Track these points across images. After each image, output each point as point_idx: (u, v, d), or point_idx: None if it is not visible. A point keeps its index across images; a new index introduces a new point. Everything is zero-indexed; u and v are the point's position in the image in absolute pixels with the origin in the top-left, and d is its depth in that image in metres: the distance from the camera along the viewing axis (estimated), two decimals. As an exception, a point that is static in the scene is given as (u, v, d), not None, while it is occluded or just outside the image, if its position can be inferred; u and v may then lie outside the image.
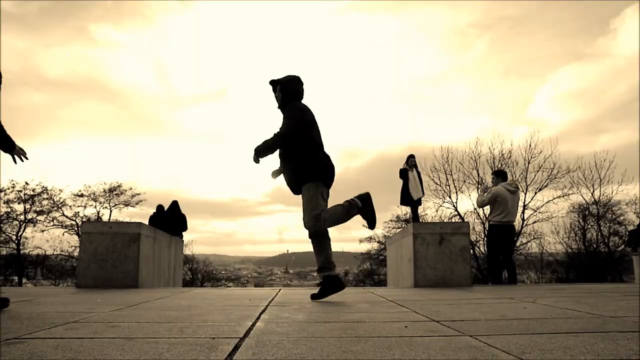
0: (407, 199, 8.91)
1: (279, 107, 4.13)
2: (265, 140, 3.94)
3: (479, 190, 8.58)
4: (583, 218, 19.65)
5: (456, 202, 19.62)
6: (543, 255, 20.69)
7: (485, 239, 7.93)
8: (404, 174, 8.90)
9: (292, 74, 4.18)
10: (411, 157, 9.02)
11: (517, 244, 19.28)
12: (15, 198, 21.18)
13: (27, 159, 3.54)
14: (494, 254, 7.52)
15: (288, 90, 4.07)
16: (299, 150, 3.92)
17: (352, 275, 28.66)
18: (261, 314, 2.91)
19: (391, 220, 21.61)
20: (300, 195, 3.95)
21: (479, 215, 19.48)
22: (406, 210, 20.44)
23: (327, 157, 4.03)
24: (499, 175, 7.85)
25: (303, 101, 4.15)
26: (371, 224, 4.06)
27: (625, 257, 17.44)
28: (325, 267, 3.87)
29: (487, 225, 18.74)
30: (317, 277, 4.12)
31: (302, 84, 4.16)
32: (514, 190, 7.64)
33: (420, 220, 9.95)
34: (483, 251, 19.36)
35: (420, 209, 9.26)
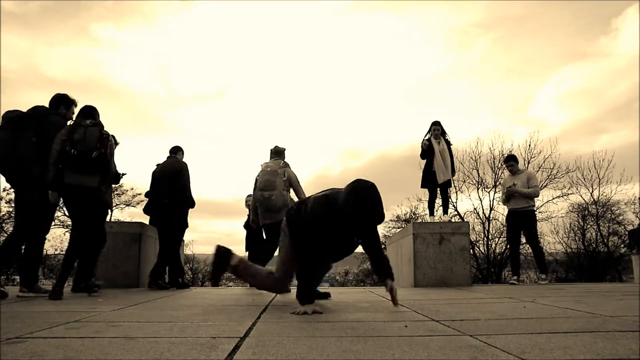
0: (430, 180, 6.83)
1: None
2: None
3: (509, 191, 6.93)
4: (582, 218, 19.63)
5: (456, 202, 19.58)
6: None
7: (527, 225, 6.90)
8: (426, 150, 6.82)
9: None
10: (435, 124, 6.86)
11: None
12: (16, 198, 21.24)
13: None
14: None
15: None
16: None
17: (352, 275, 28.62)
18: (262, 313, 2.91)
19: (391, 220, 21.55)
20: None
21: (478, 215, 19.47)
22: (406, 210, 20.41)
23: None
24: (517, 160, 7.36)
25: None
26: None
27: (624, 256, 17.44)
28: None
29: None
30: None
31: None
32: None
33: (450, 205, 8.39)
34: (483, 251, 19.34)
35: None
